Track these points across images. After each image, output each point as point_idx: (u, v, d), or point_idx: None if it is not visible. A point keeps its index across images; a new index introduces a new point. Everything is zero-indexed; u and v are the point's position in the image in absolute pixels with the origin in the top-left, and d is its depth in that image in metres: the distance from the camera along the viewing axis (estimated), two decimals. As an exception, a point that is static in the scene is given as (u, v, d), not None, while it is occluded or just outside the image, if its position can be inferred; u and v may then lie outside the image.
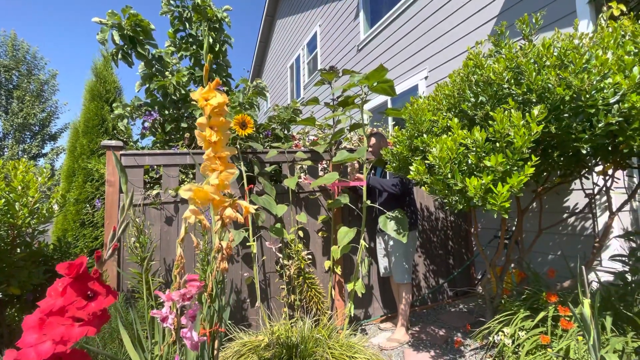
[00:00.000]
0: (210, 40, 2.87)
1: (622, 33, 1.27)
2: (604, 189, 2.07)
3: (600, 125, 1.19)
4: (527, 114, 1.24)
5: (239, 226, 2.41)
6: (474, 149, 1.32)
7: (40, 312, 0.56)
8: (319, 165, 2.90)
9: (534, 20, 1.63)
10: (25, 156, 9.52)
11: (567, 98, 1.23)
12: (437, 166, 1.34)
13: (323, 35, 7.62)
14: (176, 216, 2.39)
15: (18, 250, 1.54)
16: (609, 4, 2.40)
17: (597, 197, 2.44)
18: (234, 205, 1.02)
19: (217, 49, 2.94)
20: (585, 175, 2.03)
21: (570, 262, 2.56)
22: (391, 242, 2.44)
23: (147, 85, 2.91)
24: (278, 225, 2.45)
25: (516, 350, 1.90)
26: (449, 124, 1.52)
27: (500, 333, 1.99)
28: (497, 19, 3.38)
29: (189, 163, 2.45)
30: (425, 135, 1.56)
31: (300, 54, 9.09)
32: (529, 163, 1.23)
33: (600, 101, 1.18)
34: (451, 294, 3.31)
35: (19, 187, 1.46)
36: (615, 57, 1.15)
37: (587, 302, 1.18)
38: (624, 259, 2.06)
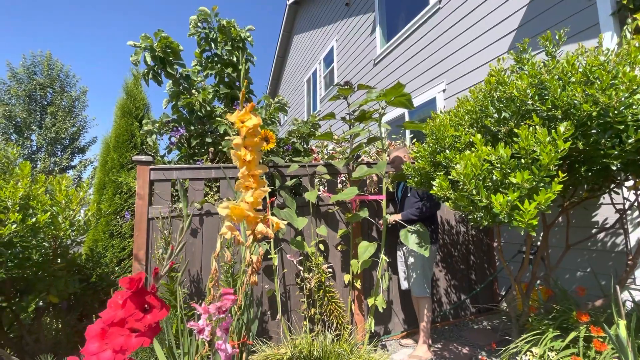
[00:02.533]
0: (234, 59, 3.00)
1: (650, 48, 1.27)
2: (636, 204, 2.00)
3: (630, 141, 1.18)
4: (553, 130, 1.24)
5: (260, 239, 2.46)
6: (499, 165, 1.32)
7: (102, 322, 0.61)
8: (338, 178, 2.94)
9: (557, 37, 1.64)
10: (56, 168, 10.02)
11: (594, 114, 1.22)
12: (461, 182, 1.35)
13: (339, 50, 7.77)
14: (201, 228, 2.46)
15: (58, 260, 1.63)
16: (634, 15, 2.37)
17: (629, 212, 2.35)
18: (265, 221, 1.07)
19: (240, 67, 3.07)
20: (615, 190, 1.98)
21: (600, 280, 2.46)
22: (411, 257, 2.44)
23: (174, 102, 3.06)
24: (299, 238, 2.49)
25: (546, 372, 1.83)
26: (471, 140, 1.53)
27: (528, 353, 1.93)
28: (516, 31, 3.37)
29: (213, 177, 2.54)
30: (447, 151, 1.58)
31: (317, 68, 9.28)
32: (555, 180, 1.23)
33: (630, 117, 1.17)
34: (474, 310, 3.22)
35: (63, 201, 1.57)
36: (643, 73, 1.14)
37: (622, 322, 1.14)
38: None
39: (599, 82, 1.22)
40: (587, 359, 1.80)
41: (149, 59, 2.59)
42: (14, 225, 1.39)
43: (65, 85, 10.82)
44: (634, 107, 1.15)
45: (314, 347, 1.94)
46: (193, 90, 2.80)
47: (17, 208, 1.40)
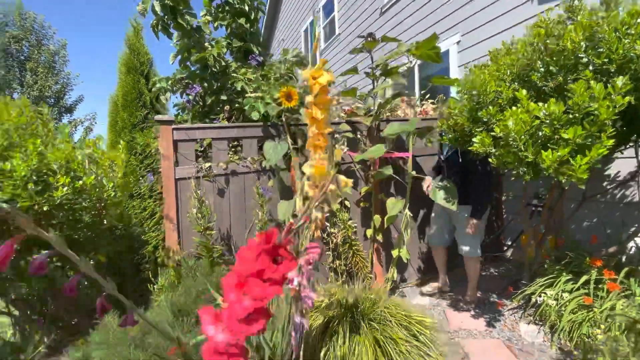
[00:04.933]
0: (246, 7, 2.80)
1: None
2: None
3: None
4: (608, 85, 1.25)
5: (287, 197, 2.50)
6: (548, 121, 1.33)
7: (236, 274, 0.65)
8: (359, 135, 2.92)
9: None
10: (45, 129, 9.62)
11: (652, 68, 1.22)
12: (511, 138, 1.37)
13: (341, -2, 7.25)
14: (227, 188, 2.48)
15: (104, 221, 1.66)
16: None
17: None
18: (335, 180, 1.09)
19: (252, 17, 2.87)
20: (640, 144, 2.03)
21: (607, 229, 2.63)
22: (464, 215, 2.34)
23: (182, 57, 2.89)
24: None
25: (560, 310, 2.03)
26: (515, 95, 1.53)
27: (543, 294, 2.12)
28: (542, -24, 3.18)
29: (234, 136, 2.50)
30: (490, 107, 1.57)
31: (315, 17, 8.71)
32: (604, 135, 1.26)
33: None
34: (481, 258, 3.44)
35: (107, 164, 1.55)
36: None
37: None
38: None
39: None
40: (597, 298, 1.99)
41: (158, 8, 2.39)
42: (65, 188, 1.38)
43: (42, 37, 10.00)
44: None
45: (347, 294, 2.08)
46: (206, 44, 2.64)
47: (64, 171, 1.38)
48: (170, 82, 2.63)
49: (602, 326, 1.77)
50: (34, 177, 1.33)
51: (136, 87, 3.13)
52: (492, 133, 1.54)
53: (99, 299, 0.74)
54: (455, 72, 4.20)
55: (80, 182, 1.42)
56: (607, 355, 1.57)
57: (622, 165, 2.57)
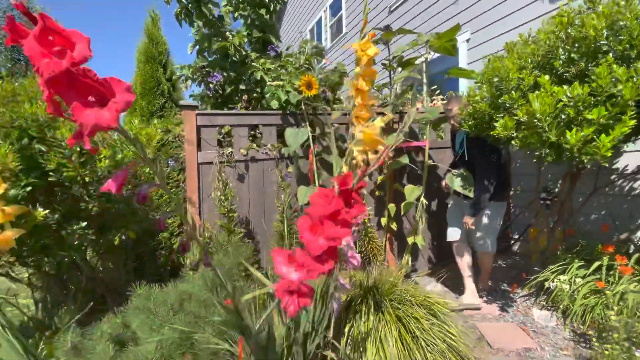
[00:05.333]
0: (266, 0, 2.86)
1: None
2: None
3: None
4: (631, 68, 1.31)
5: (304, 184, 2.56)
6: (572, 103, 1.40)
7: (310, 216, 0.71)
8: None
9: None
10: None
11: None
12: (536, 119, 1.43)
13: (349, -4, 7.33)
14: (247, 174, 2.53)
15: (133, 201, 1.71)
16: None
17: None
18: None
19: (271, 9, 2.93)
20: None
21: (615, 221, 2.69)
22: (485, 216, 2.35)
23: (199, 47, 2.95)
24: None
25: (572, 294, 2.09)
26: (537, 81, 1.59)
27: (556, 280, 2.18)
28: (553, -24, 3.26)
29: (255, 123, 2.56)
30: (513, 92, 1.64)
31: (322, 16, 8.79)
32: (625, 116, 1.32)
33: None
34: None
35: (144, 140, 1.60)
36: None
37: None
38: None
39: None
40: (608, 284, 2.06)
41: (183, -4, 2.45)
42: (107, 161, 1.43)
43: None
44: None
45: (365, 278, 2.13)
46: (227, 34, 2.69)
47: (106, 144, 1.43)
48: (191, 70, 2.68)
49: (615, 308, 1.83)
50: (78, 148, 1.38)
51: (154, 75, 3.18)
52: (515, 117, 1.60)
53: (182, 240, 0.80)
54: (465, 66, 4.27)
55: (121, 155, 1.47)
56: (622, 333, 1.63)
57: (630, 159, 2.64)
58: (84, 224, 1.48)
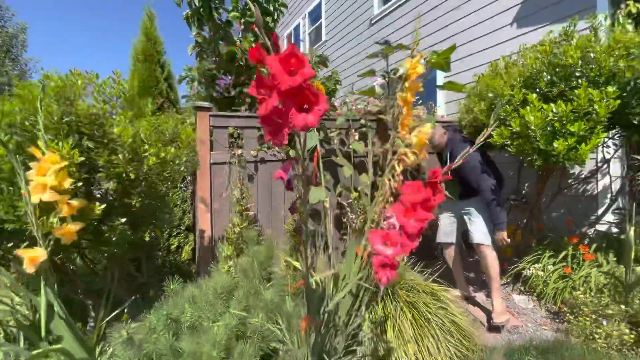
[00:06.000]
0: (271, 7, 2.99)
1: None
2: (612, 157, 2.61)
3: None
4: (603, 92, 1.65)
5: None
6: (557, 118, 1.71)
7: (402, 203, 0.88)
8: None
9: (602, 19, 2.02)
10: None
11: (631, 81, 1.64)
12: (530, 131, 1.73)
13: (329, 6, 7.60)
14: (256, 174, 2.63)
15: (166, 198, 1.76)
16: (627, 1, 2.84)
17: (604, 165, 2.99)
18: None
19: (275, 17, 3.07)
20: (606, 144, 2.53)
21: (573, 218, 3.16)
22: (471, 208, 2.42)
23: (199, 49, 3.00)
24: (339, 186, 2.79)
25: (545, 280, 2.45)
26: (526, 98, 1.91)
27: (532, 268, 2.54)
28: (520, 5, 3.75)
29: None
30: (507, 106, 1.94)
31: (300, 23, 8.99)
32: (597, 128, 1.66)
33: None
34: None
35: (183, 138, 1.66)
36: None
37: (632, 229, 1.68)
38: (622, 211, 2.67)
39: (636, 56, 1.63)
40: (573, 269, 2.44)
41: (196, 0, 2.51)
42: (154, 159, 1.49)
43: (-2, 19, 9.18)
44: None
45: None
46: (236, 38, 2.78)
47: (151, 142, 1.49)
48: (199, 71, 2.73)
49: (582, 288, 2.20)
50: (128, 145, 1.43)
51: (153, 75, 3.16)
52: (509, 128, 1.90)
53: (292, 203, 0.94)
54: (440, 82, 4.69)
55: (163, 153, 1.53)
56: (590, 307, 1.98)
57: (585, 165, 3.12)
58: (124, 219, 1.52)
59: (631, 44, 1.69)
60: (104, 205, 1.32)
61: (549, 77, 1.89)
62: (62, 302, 1.88)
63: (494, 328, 2.23)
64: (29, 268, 1.09)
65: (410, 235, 0.87)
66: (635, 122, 1.76)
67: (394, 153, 1.40)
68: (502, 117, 1.98)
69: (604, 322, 1.86)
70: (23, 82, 1.32)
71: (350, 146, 2.77)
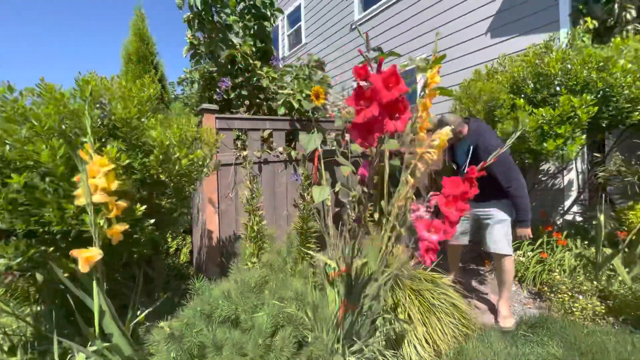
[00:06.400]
0: (268, 12, 3.07)
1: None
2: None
3: (620, 107, 1.93)
4: (582, 99, 1.92)
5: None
6: (546, 121, 1.96)
7: (444, 195, 1.04)
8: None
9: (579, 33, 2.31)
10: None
11: (601, 90, 1.93)
12: (527, 133, 1.97)
13: (309, 9, 7.73)
14: (260, 175, 2.69)
15: (188, 199, 1.80)
16: (585, 18, 3.24)
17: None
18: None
19: (272, 21, 3.15)
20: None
21: (544, 209, 3.52)
22: (491, 210, 2.25)
23: (194, 51, 3.02)
24: (338, 184, 2.94)
25: (525, 265, 2.74)
26: (514, 102, 2.16)
27: (514, 255, 2.82)
28: (494, 17, 4.10)
29: (267, 128, 2.74)
30: (500, 109, 2.17)
31: (279, 24, 9.03)
32: (579, 131, 1.93)
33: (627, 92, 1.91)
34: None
35: (212, 141, 1.71)
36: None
37: (602, 216, 1.97)
38: (584, 202, 3.05)
39: (607, 69, 1.92)
40: (548, 254, 2.75)
41: (198, 3, 2.54)
42: (185, 159, 1.54)
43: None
44: (628, 87, 1.88)
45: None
46: (235, 41, 2.83)
47: (182, 144, 1.54)
48: (200, 74, 2.75)
49: (557, 270, 2.50)
50: (163, 148, 1.47)
51: (146, 76, 3.11)
52: (503, 127, 2.14)
53: (357, 215, 1.05)
54: (421, 85, 4.99)
55: (192, 155, 1.58)
56: (567, 285, 2.27)
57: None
58: (152, 220, 1.56)
59: (600, 59, 1.98)
60: (144, 207, 1.36)
61: (532, 84, 2.15)
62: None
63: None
64: (83, 267, 1.12)
65: (452, 222, 1.02)
66: (604, 125, 2.06)
67: (411, 153, 1.56)
68: (497, 118, 2.21)
69: (580, 297, 2.14)
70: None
71: (350, 147, 2.92)
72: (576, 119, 1.88)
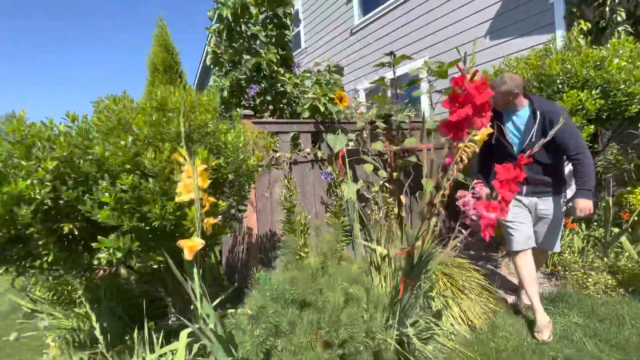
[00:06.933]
0: (288, 21, 3.26)
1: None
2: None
3: (618, 100, 2.18)
4: (588, 92, 2.16)
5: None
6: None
7: (498, 180, 1.24)
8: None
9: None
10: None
11: (599, 85, 2.18)
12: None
13: (307, 14, 7.93)
14: (290, 175, 2.87)
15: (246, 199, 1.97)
16: (579, 20, 3.52)
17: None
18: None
19: (291, 30, 3.34)
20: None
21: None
22: (546, 207, 2.18)
23: (217, 59, 3.19)
24: (361, 181, 3.14)
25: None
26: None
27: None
28: (492, 20, 4.37)
29: (295, 130, 2.92)
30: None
31: (276, 30, 9.20)
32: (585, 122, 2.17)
33: (621, 86, 2.16)
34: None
35: (269, 146, 1.89)
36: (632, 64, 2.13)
37: (610, 198, 2.21)
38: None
39: (604, 67, 2.17)
40: (558, 238, 3.00)
41: (229, 14, 2.71)
42: (250, 160, 1.71)
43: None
44: (623, 82, 2.14)
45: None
46: (261, 50, 3.01)
47: (246, 147, 1.71)
48: (231, 82, 2.92)
49: (567, 251, 2.75)
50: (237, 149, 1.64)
51: (174, 84, 3.26)
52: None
53: (430, 199, 1.24)
54: (424, 87, 5.23)
55: (254, 156, 1.76)
56: (579, 263, 2.51)
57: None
58: (220, 217, 1.71)
59: (596, 58, 2.23)
60: (226, 203, 1.52)
61: (536, 84, 2.39)
62: (145, 299, 2.00)
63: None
64: (188, 256, 1.29)
65: (507, 201, 1.22)
66: (604, 117, 2.31)
67: (450, 148, 1.76)
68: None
69: (592, 273, 2.38)
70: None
71: (370, 146, 3.12)
72: (584, 111, 2.12)
